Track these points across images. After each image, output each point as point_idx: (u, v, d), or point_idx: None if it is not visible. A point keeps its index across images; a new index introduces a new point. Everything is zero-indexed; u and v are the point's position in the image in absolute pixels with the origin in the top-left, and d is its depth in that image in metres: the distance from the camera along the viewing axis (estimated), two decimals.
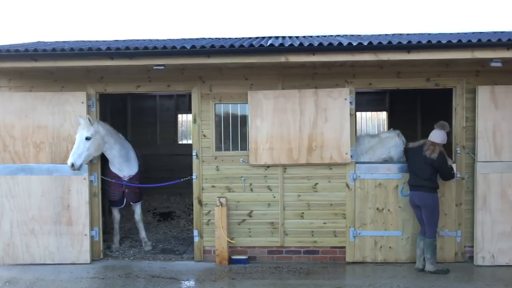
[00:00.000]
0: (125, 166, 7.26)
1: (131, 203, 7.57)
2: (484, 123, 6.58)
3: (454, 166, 6.61)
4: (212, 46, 6.08)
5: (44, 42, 9.21)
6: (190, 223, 8.99)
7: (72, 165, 6.46)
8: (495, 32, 8.87)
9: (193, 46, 6.05)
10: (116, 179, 7.24)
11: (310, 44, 6.12)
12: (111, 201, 7.51)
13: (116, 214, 7.57)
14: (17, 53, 6.09)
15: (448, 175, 6.34)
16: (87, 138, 6.58)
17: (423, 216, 6.30)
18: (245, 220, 6.94)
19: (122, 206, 7.51)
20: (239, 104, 6.97)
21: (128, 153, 7.35)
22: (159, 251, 7.53)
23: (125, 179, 7.28)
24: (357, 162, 6.86)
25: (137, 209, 7.66)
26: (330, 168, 6.83)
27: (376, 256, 6.78)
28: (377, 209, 6.76)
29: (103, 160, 7.21)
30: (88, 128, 6.62)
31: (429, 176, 6.22)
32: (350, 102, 6.73)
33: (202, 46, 6.05)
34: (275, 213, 6.92)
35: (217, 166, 6.95)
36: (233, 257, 6.89)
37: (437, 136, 6.33)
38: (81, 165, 6.56)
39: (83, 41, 9.64)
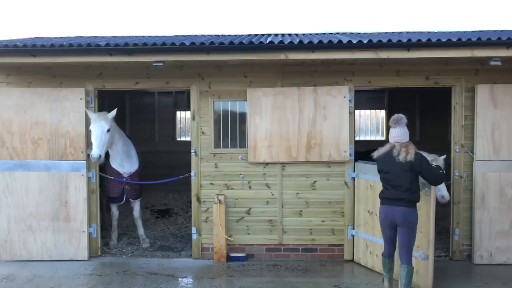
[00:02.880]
0: (126, 162, 7.25)
1: (130, 200, 7.55)
2: (483, 122, 6.57)
3: (441, 164, 6.00)
4: (212, 43, 6.06)
5: (42, 38, 9.17)
6: (188, 220, 8.98)
7: (100, 156, 6.49)
8: (494, 31, 8.86)
9: (193, 43, 6.03)
10: (116, 175, 7.22)
11: (310, 42, 6.10)
12: (110, 197, 7.49)
13: (114, 210, 7.56)
14: (16, 49, 6.06)
15: (435, 175, 5.22)
16: (108, 130, 6.67)
17: (401, 237, 5.17)
18: (243, 217, 6.93)
19: (122, 202, 7.50)
20: (238, 102, 6.96)
21: (130, 150, 7.36)
22: (157, 248, 7.52)
23: (125, 176, 7.27)
24: (356, 161, 6.85)
25: (136, 206, 7.64)
26: (329, 166, 6.82)
27: (367, 261, 6.54)
28: (368, 211, 6.47)
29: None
30: (106, 120, 6.68)
31: (409, 185, 5.10)
32: (349, 100, 6.72)
33: (201, 43, 6.03)
34: (273, 211, 6.91)
35: (215, 164, 6.94)
36: (231, 254, 6.89)
37: (402, 134, 5.25)
38: (103, 157, 6.65)
39: (82, 37, 9.60)
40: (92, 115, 6.68)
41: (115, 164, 7.21)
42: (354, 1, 31.27)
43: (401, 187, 5.13)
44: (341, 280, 6.12)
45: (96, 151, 6.48)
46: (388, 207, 5.21)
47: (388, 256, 5.39)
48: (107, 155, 7.19)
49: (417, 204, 5.23)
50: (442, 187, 6.13)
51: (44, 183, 6.85)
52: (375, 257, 6.36)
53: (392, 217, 5.19)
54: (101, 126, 6.61)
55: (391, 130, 5.35)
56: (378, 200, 5.49)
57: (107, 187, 7.36)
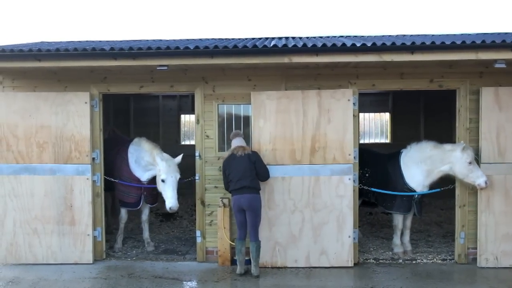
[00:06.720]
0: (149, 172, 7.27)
1: (148, 205, 7.56)
2: (488, 125, 6.55)
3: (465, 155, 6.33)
4: (216, 46, 6.07)
5: (47, 42, 9.23)
6: (193, 223, 8.98)
7: (177, 207, 6.61)
8: (499, 33, 8.86)
9: (197, 47, 6.05)
10: (135, 182, 7.24)
11: (314, 45, 6.11)
12: (124, 202, 7.46)
13: (124, 214, 7.55)
14: (21, 53, 6.10)
15: (265, 168, 6.35)
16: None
17: (249, 219, 6.21)
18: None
19: (138, 208, 7.50)
20: (242, 105, 6.97)
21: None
22: (161, 252, 7.52)
23: (145, 182, 7.28)
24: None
25: (146, 209, 7.66)
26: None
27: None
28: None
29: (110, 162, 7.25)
30: (178, 169, 6.77)
31: (249, 173, 6.21)
32: (353, 103, 6.71)
33: (205, 47, 6.05)
34: None
35: (220, 167, 6.94)
36: (236, 258, 6.87)
37: (241, 142, 6.46)
38: None
39: (87, 41, 9.66)
40: (163, 164, 6.69)
41: (138, 172, 7.23)
42: (358, 4, 31.28)
43: (244, 177, 6.18)
44: (347, 284, 6.10)
45: (174, 203, 6.56)
46: (237, 196, 6.22)
47: (240, 238, 6.35)
48: (124, 160, 7.24)
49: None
50: (481, 173, 6.42)
51: (49, 187, 6.88)
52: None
53: (239, 203, 6.19)
54: (175, 177, 6.68)
55: (233, 141, 6.50)
56: None
57: (123, 192, 7.35)
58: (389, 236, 7.74)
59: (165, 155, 6.87)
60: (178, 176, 6.73)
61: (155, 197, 7.56)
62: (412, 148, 7.07)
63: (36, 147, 6.89)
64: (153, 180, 7.27)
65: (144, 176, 7.24)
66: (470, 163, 6.42)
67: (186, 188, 8.64)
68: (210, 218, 6.99)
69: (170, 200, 6.59)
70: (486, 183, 6.35)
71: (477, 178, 6.39)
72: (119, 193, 7.41)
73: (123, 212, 7.56)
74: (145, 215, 7.65)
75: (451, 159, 6.56)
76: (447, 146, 6.68)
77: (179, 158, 6.87)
